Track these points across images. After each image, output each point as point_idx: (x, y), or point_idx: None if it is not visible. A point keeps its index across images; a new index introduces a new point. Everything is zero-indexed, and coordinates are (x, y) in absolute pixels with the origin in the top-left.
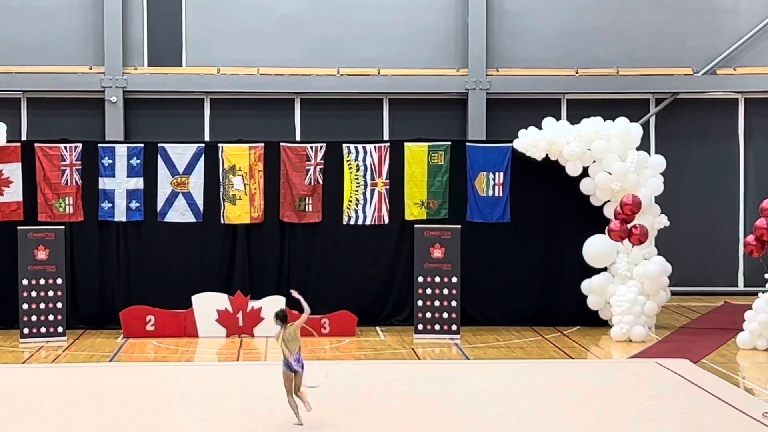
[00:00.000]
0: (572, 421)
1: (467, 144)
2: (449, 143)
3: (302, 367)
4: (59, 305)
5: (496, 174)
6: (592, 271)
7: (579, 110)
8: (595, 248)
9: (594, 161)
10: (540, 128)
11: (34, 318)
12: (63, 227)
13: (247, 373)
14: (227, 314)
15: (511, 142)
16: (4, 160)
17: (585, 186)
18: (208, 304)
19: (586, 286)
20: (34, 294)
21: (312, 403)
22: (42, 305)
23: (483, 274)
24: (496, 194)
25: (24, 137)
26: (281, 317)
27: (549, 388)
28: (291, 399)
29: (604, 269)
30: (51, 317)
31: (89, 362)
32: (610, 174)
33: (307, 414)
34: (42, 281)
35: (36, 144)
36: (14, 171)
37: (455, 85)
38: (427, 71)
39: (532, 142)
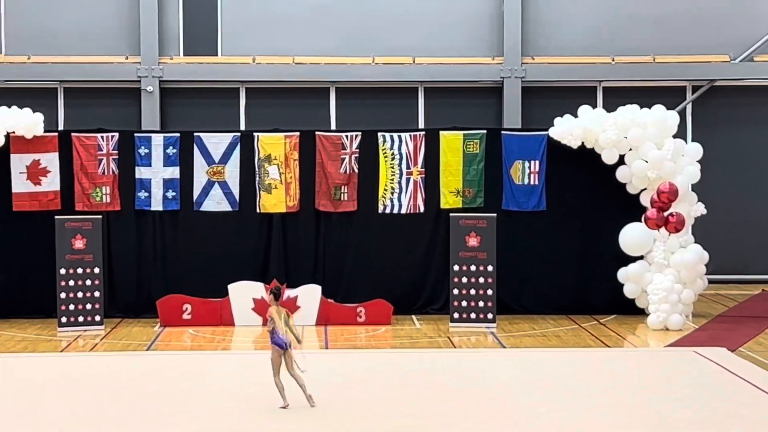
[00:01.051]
0: (609, 410)
1: (503, 132)
2: (484, 131)
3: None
4: (96, 294)
5: (532, 162)
6: (628, 260)
7: (615, 98)
8: (632, 236)
9: (630, 149)
10: (576, 116)
11: (71, 307)
12: (100, 216)
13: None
14: (263, 303)
15: (547, 130)
16: (41, 150)
17: (621, 174)
18: (244, 293)
19: (623, 274)
20: (71, 283)
21: (349, 393)
22: (79, 294)
23: (519, 263)
24: (532, 182)
25: (61, 127)
26: (275, 293)
27: (585, 377)
28: (278, 380)
29: (641, 257)
30: (88, 306)
31: (126, 351)
32: (647, 162)
33: (341, 401)
34: (79, 270)
35: (73, 134)
36: (51, 161)
37: (491, 74)
38: (462, 59)
39: (567, 130)
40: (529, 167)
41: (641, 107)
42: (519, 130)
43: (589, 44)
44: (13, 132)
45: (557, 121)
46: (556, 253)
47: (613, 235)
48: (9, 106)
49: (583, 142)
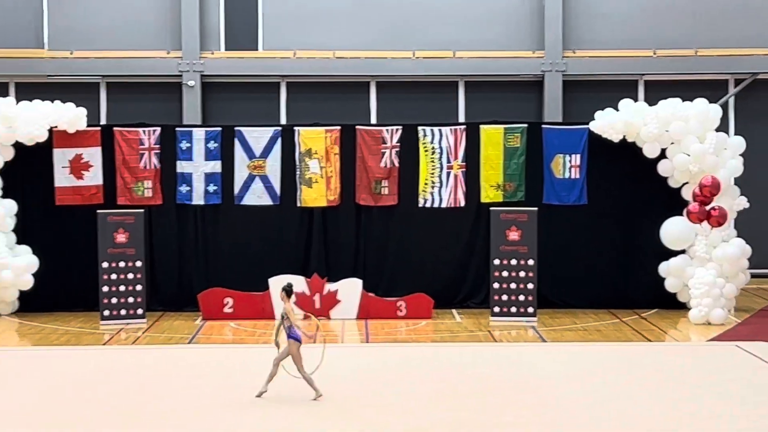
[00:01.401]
0: (651, 404)
1: (543, 126)
2: (525, 125)
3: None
4: (138, 288)
5: (573, 156)
6: (670, 254)
7: (656, 91)
8: (674, 230)
9: (672, 143)
10: (617, 110)
11: (114, 300)
12: (142, 210)
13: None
14: (304, 296)
15: (588, 123)
16: (84, 145)
17: (663, 168)
18: None
19: (664, 268)
20: (114, 277)
21: (390, 387)
22: (122, 288)
23: (559, 257)
24: (573, 176)
25: (103, 122)
26: (288, 291)
27: (626, 372)
28: (305, 372)
29: (683, 251)
30: (130, 300)
31: (168, 344)
32: (689, 155)
33: (382, 395)
34: (121, 264)
35: (115, 128)
36: (94, 155)
37: (531, 67)
38: (502, 53)
39: (609, 123)
40: (570, 161)
41: (683, 100)
42: (560, 124)
43: (631, 37)
44: (56, 126)
45: (598, 114)
46: (597, 247)
47: (654, 229)
48: (52, 101)
49: (624, 136)
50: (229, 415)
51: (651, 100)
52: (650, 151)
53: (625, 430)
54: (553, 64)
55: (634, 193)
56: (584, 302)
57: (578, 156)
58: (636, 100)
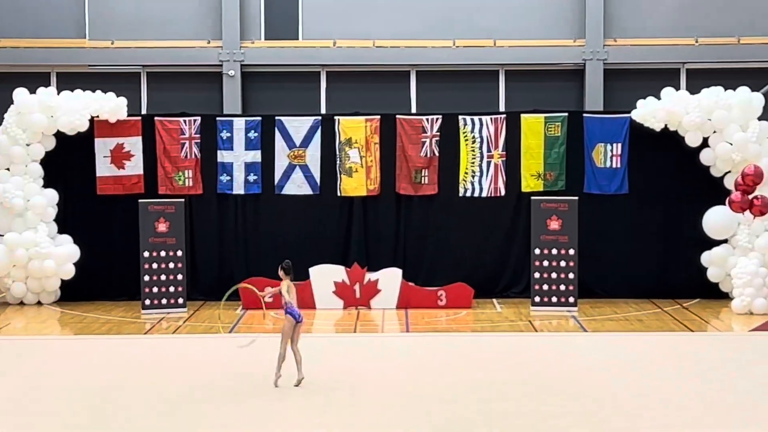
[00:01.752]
0: (692, 395)
1: (584, 115)
2: (566, 114)
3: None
4: (179, 277)
5: (614, 145)
6: (711, 243)
7: (699, 80)
8: (716, 220)
9: (714, 131)
10: (659, 98)
11: (155, 290)
12: (183, 200)
13: (364, 344)
14: (344, 286)
15: (629, 112)
16: (125, 134)
17: (705, 157)
18: (325, 276)
19: (706, 258)
20: (155, 266)
21: (430, 376)
22: (162, 277)
23: (600, 246)
24: (614, 165)
25: (144, 111)
26: (286, 269)
27: (668, 362)
28: (283, 350)
29: (725, 241)
30: (171, 289)
31: (209, 333)
32: (731, 144)
33: (422, 384)
34: (162, 253)
35: (156, 118)
36: (135, 145)
37: (572, 56)
38: (543, 42)
39: (650, 112)
40: (611, 150)
41: (725, 89)
42: (601, 113)
43: (672, 26)
44: (97, 116)
45: (640, 103)
46: (639, 237)
47: (696, 219)
48: (93, 91)
49: (666, 125)
50: (270, 402)
51: (693, 89)
52: (692, 140)
53: (666, 420)
54: (594, 52)
55: (675, 183)
56: (625, 292)
57: (620, 145)
58: (678, 88)
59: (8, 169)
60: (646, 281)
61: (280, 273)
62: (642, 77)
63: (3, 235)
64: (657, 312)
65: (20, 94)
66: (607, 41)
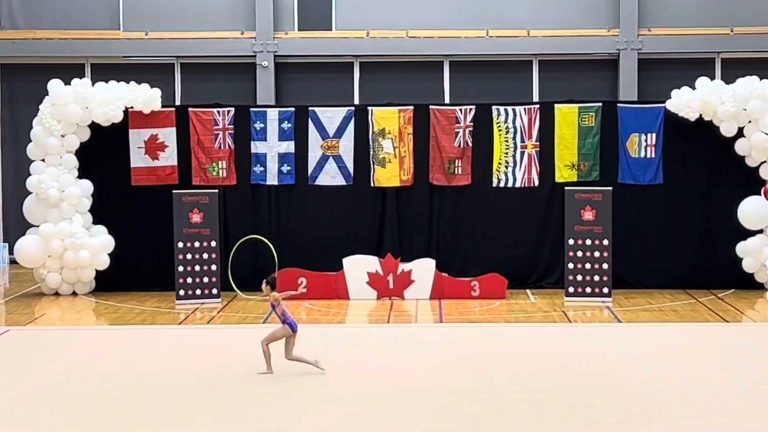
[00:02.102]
0: (727, 385)
1: (618, 105)
2: (600, 104)
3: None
4: (213, 267)
5: (648, 135)
6: (747, 233)
7: (734, 69)
8: (751, 210)
9: (749, 121)
10: (693, 88)
11: (189, 280)
12: (216, 191)
13: (398, 335)
14: (378, 277)
15: (664, 102)
16: (159, 125)
17: (740, 146)
18: (358, 267)
19: (741, 248)
20: (189, 257)
21: (465, 367)
22: (197, 268)
23: (635, 237)
24: (649, 155)
25: (178, 102)
26: (272, 283)
27: (703, 352)
28: (266, 348)
29: (760, 231)
30: (205, 279)
31: (243, 324)
32: (767, 134)
33: (456, 376)
34: (197, 244)
35: (190, 109)
36: (169, 136)
37: (606, 46)
38: (577, 32)
39: (685, 102)
40: (646, 140)
41: (761, 78)
42: (635, 103)
43: (707, 15)
44: (132, 107)
45: (674, 93)
46: (673, 227)
47: (731, 209)
48: (127, 82)
49: (701, 115)
50: (303, 392)
51: (728, 78)
52: (727, 130)
53: (702, 412)
54: (628, 42)
55: (710, 173)
56: (660, 282)
57: (654, 135)
58: (713, 78)
59: (43, 160)
60: (680, 272)
61: (265, 287)
62: (676, 67)
63: (38, 226)
64: (692, 303)
65: (55, 85)
66: (641, 31)
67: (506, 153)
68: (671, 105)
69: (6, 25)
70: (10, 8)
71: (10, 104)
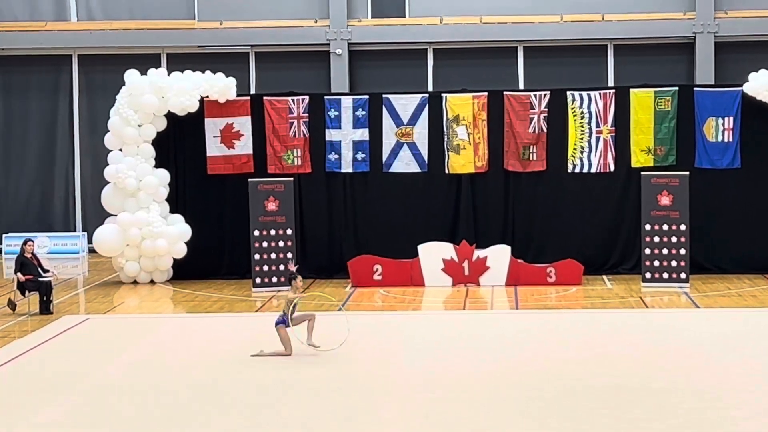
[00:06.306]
0: None
1: (695, 89)
2: (676, 88)
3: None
4: (289, 255)
5: (726, 119)
6: None
7: None
8: None
9: None
10: None
11: (265, 268)
12: (291, 179)
13: (474, 321)
14: (453, 263)
15: (741, 85)
16: (234, 114)
17: None
18: (434, 254)
19: None
20: (265, 244)
21: (542, 353)
22: (272, 255)
23: (712, 222)
24: (726, 139)
25: (253, 91)
26: (288, 279)
27: None
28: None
29: None
30: (282, 267)
31: (319, 311)
32: None
33: (533, 361)
34: (272, 232)
35: (264, 97)
36: (244, 124)
37: (682, 29)
38: (652, 15)
39: (763, 85)
40: (723, 124)
41: None
42: (712, 86)
43: None
44: (207, 96)
45: (752, 76)
46: (752, 212)
47: None
48: (203, 71)
49: None
50: (377, 377)
51: None
52: None
53: None
54: (704, 25)
55: None
56: (738, 267)
57: (731, 119)
58: None
59: (121, 150)
60: (759, 256)
61: (299, 281)
62: (754, 50)
63: (116, 216)
64: None
65: (131, 75)
66: (717, 14)
67: (581, 138)
68: (748, 88)
69: (83, 17)
70: (87, 0)
71: (88, 95)
